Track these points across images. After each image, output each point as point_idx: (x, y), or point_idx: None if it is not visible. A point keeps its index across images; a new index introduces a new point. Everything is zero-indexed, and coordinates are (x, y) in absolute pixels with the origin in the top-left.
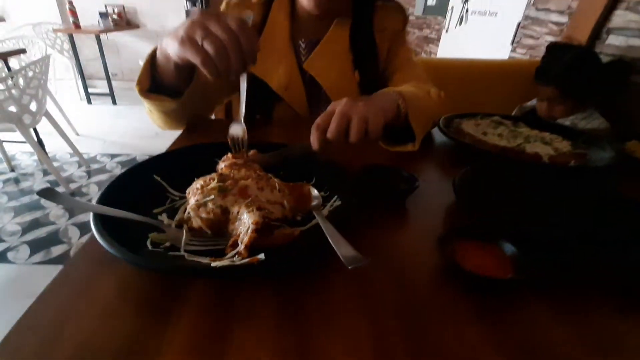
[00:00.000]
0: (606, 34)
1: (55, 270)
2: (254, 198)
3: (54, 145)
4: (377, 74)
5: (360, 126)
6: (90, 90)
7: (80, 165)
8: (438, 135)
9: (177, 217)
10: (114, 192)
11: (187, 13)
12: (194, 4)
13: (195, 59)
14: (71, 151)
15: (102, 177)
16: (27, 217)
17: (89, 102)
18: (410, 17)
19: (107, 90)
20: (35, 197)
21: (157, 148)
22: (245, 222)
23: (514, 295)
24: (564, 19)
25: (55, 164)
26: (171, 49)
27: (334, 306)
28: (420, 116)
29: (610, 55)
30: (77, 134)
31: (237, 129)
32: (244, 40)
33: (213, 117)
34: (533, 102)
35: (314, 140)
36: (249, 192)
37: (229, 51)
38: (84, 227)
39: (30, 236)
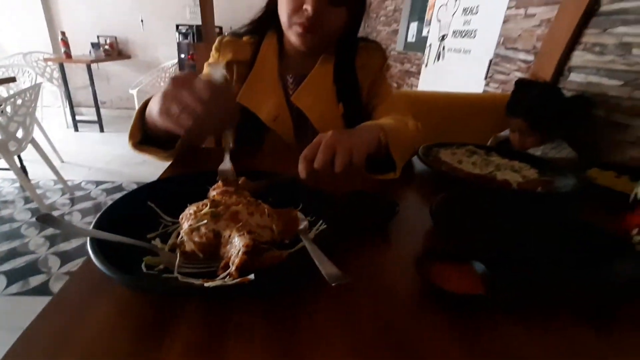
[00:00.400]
0: (568, 72)
1: (33, 301)
2: (244, 222)
3: (38, 172)
4: (359, 106)
5: (344, 157)
6: (77, 117)
7: (63, 193)
8: (418, 164)
9: (170, 241)
10: (109, 218)
11: (179, 45)
12: (185, 36)
13: (177, 131)
14: (55, 178)
15: (86, 204)
16: (5, 246)
17: (76, 129)
18: (393, 52)
19: (95, 118)
20: (15, 225)
21: (143, 175)
22: (236, 245)
23: (488, 313)
24: (530, 57)
25: (39, 191)
26: (154, 117)
27: (320, 322)
28: (399, 147)
29: (573, 90)
30: (62, 161)
31: (226, 165)
32: (219, 108)
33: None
34: (507, 132)
35: (301, 169)
36: (240, 217)
37: (206, 121)
38: (65, 257)
39: (7, 266)
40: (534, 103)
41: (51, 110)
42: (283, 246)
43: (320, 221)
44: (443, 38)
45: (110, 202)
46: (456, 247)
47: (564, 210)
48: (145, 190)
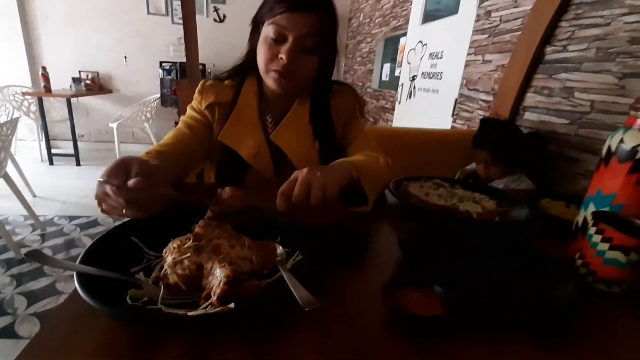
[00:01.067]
0: (523, 111)
1: None
2: (225, 254)
3: (8, 207)
4: (334, 143)
5: (319, 192)
6: (53, 151)
7: (34, 229)
8: (389, 197)
9: (154, 274)
10: (94, 253)
11: (162, 81)
12: (168, 72)
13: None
14: (26, 213)
15: (58, 240)
16: None
17: (51, 163)
18: (369, 90)
19: (71, 151)
20: None
21: None
22: (217, 276)
23: (450, 334)
24: (489, 97)
25: (8, 227)
26: None
27: (294, 345)
28: (371, 181)
29: (529, 127)
30: (34, 196)
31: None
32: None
33: None
34: (473, 166)
35: (280, 203)
36: (222, 249)
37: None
38: (32, 297)
39: None
40: (496, 137)
41: (26, 143)
42: (262, 276)
43: (297, 252)
44: (413, 78)
45: (83, 238)
46: (420, 273)
47: (519, 238)
48: (128, 226)
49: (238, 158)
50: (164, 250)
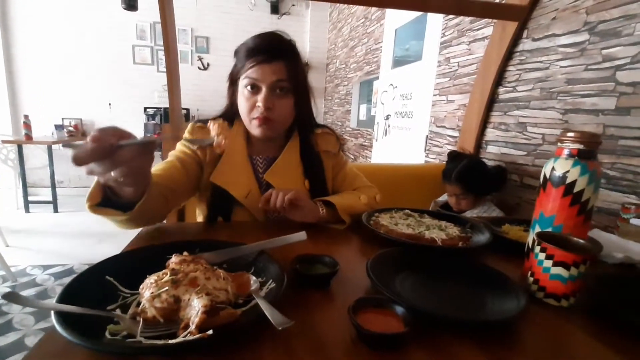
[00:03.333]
0: (485, 145)
1: None
2: (202, 286)
3: None
4: (323, 181)
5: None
6: (31, 198)
7: (5, 280)
8: (362, 228)
9: (131, 310)
10: (69, 294)
11: (146, 126)
12: (152, 117)
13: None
14: None
15: (30, 291)
16: None
17: (27, 210)
18: (347, 129)
19: (49, 198)
20: None
21: (99, 255)
22: (195, 307)
23: (411, 349)
24: (455, 133)
25: None
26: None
27: None
28: (345, 208)
29: (492, 160)
30: (7, 245)
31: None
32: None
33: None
34: (445, 197)
35: (262, 201)
36: (198, 281)
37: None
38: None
39: None
40: (463, 171)
41: (1, 191)
42: (237, 305)
43: (270, 281)
44: (387, 117)
45: (57, 288)
46: (383, 295)
47: (479, 261)
48: (103, 266)
49: (227, 197)
50: (141, 287)
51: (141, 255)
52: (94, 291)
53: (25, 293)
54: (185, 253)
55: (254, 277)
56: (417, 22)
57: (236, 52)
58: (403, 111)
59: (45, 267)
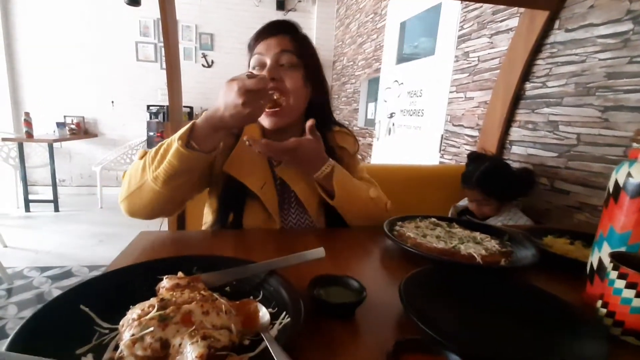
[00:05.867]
0: (509, 145)
1: None
2: (198, 325)
3: None
4: None
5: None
6: (31, 197)
7: (0, 283)
8: (385, 240)
9: (106, 356)
10: (31, 331)
11: (148, 124)
12: (156, 115)
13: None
14: None
15: (26, 295)
16: None
17: (27, 209)
18: (355, 128)
19: (50, 197)
20: None
21: (98, 256)
22: (188, 356)
23: None
24: (475, 132)
25: None
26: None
27: None
28: (345, 179)
29: (517, 161)
30: (5, 246)
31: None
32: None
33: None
34: (465, 202)
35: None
36: (193, 318)
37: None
38: None
39: None
40: (485, 174)
41: (1, 190)
42: (242, 348)
43: (284, 313)
44: (392, 115)
45: (54, 291)
46: (428, 335)
47: (526, 281)
48: (79, 291)
49: (241, 190)
50: (121, 323)
51: (129, 274)
52: (63, 327)
53: (20, 297)
54: (180, 273)
55: (263, 308)
56: (428, 15)
57: (248, 45)
58: (411, 109)
59: (43, 269)
